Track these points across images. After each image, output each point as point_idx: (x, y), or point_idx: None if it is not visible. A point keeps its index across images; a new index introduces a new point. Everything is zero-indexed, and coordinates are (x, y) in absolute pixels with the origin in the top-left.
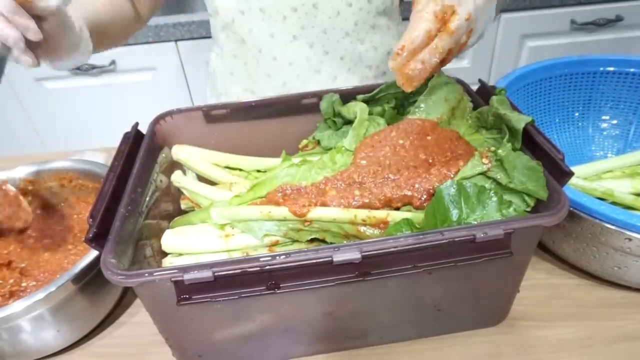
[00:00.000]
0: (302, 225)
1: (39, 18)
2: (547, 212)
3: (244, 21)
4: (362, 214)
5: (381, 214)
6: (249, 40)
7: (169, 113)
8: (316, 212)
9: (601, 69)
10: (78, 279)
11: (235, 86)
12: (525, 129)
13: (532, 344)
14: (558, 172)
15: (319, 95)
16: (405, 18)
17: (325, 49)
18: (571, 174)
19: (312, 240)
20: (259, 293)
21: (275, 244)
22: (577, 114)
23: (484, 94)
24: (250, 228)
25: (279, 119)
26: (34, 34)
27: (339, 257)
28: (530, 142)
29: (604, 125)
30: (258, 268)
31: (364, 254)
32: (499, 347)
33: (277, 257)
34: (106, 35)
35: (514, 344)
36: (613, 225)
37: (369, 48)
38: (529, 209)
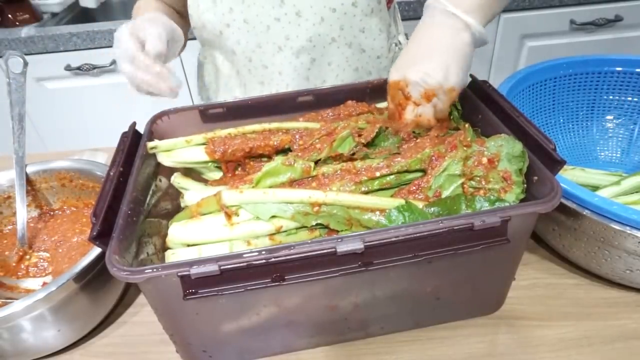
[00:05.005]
0: (310, 210)
1: None
2: (541, 199)
3: (230, 33)
4: (372, 200)
5: (388, 200)
6: (238, 50)
7: (166, 112)
8: (330, 196)
9: (606, 69)
10: (79, 278)
11: (228, 95)
12: (516, 120)
13: (531, 343)
14: (550, 162)
15: (314, 93)
16: (404, 18)
17: (311, 56)
18: (563, 162)
19: (314, 229)
20: (264, 285)
21: (279, 230)
22: (581, 114)
23: (476, 89)
24: (258, 210)
25: (275, 117)
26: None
27: (342, 248)
28: (522, 132)
29: (609, 125)
30: (264, 260)
31: (366, 243)
32: (498, 346)
33: (282, 249)
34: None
35: (514, 342)
36: (626, 225)
37: (356, 51)
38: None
